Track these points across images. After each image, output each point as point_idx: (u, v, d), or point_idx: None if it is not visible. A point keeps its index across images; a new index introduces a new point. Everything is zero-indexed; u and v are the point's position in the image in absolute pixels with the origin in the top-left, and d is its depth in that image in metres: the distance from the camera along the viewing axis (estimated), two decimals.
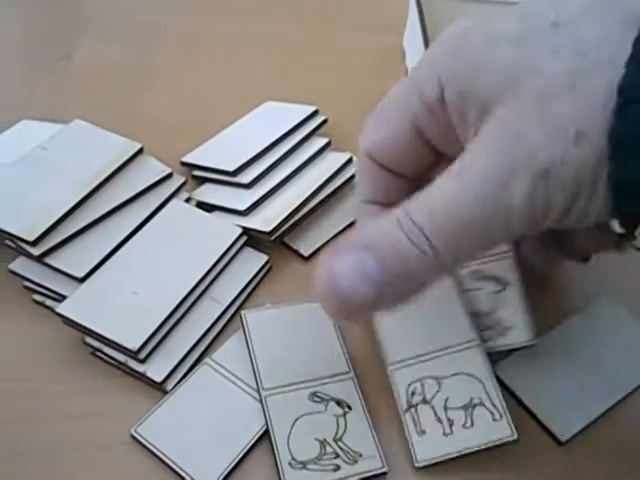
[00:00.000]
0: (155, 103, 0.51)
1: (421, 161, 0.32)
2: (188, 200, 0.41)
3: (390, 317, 0.34)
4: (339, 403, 0.32)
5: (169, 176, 0.41)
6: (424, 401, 0.32)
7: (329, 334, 0.35)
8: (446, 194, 0.26)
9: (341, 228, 0.42)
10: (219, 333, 0.36)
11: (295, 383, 0.32)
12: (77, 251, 0.36)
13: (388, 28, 0.60)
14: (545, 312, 0.37)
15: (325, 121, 0.47)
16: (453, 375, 0.32)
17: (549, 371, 0.35)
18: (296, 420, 0.31)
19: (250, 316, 0.35)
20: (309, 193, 0.41)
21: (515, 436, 0.30)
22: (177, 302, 0.34)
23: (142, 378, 0.33)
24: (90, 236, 0.37)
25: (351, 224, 0.43)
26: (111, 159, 0.40)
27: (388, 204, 0.31)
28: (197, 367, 0.33)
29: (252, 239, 0.39)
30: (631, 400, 0.34)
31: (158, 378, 0.32)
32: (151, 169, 0.41)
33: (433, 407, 0.32)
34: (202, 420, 0.32)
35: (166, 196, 0.40)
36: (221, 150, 0.45)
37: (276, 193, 0.42)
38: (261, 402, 0.32)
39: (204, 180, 0.43)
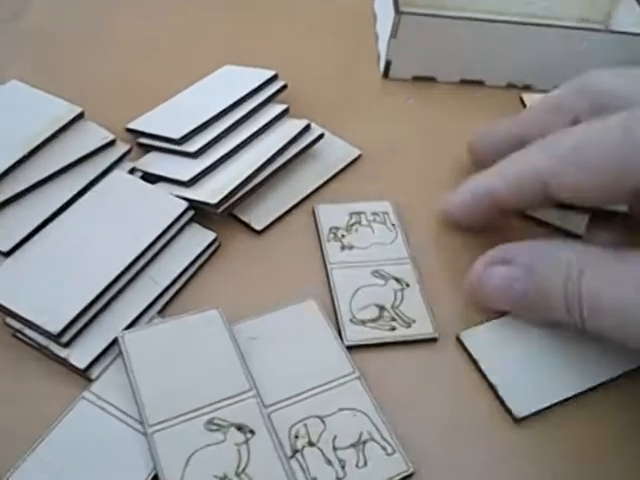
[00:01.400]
0: (106, 67, 0.48)
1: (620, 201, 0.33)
2: (133, 171, 0.38)
3: (261, 358, 0.31)
4: (240, 428, 0.28)
5: (111, 143, 0.38)
6: (310, 443, 0.28)
7: (225, 349, 0.31)
8: (622, 297, 0.28)
9: (297, 200, 0.40)
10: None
11: (187, 412, 0.28)
12: (4, 222, 0.33)
13: None
14: None
15: (285, 86, 0.44)
16: (337, 411, 0.29)
17: (519, 347, 0.33)
18: (190, 457, 0.27)
19: (129, 337, 0.30)
20: (262, 162, 0.38)
21: (411, 469, 0.28)
22: (108, 282, 0.31)
23: (66, 364, 0.30)
24: (20, 206, 0.34)
25: (308, 196, 0.40)
26: (47, 122, 0.37)
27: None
28: (73, 403, 0.29)
29: (200, 213, 0.36)
30: (599, 392, 0.32)
31: (81, 365, 0.29)
32: (92, 135, 0.38)
33: (321, 449, 0.28)
34: (82, 467, 0.27)
35: (107, 165, 0.37)
36: (170, 116, 0.42)
37: (226, 162, 0.39)
38: (147, 440, 0.27)
39: (150, 149, 0.40)
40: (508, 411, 0.31)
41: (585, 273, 0.29)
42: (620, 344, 0.29)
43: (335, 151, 0.43)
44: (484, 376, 0.32)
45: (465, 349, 0.33)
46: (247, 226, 0.38)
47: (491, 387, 0.32)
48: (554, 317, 0.31)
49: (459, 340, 0.33)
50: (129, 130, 0.41)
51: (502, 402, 0.31)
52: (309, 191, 0.40)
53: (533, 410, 0.31)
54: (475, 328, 0.33)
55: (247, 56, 0.47)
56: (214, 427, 0.28)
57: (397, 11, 0.46)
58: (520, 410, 0.31)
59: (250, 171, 0.37)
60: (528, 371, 0.32)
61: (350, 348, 0.32)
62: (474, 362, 0.32)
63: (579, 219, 0.39)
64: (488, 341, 0.33)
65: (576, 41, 0.47)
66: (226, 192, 0.36)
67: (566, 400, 0.31)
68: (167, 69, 0.47)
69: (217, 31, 0.52)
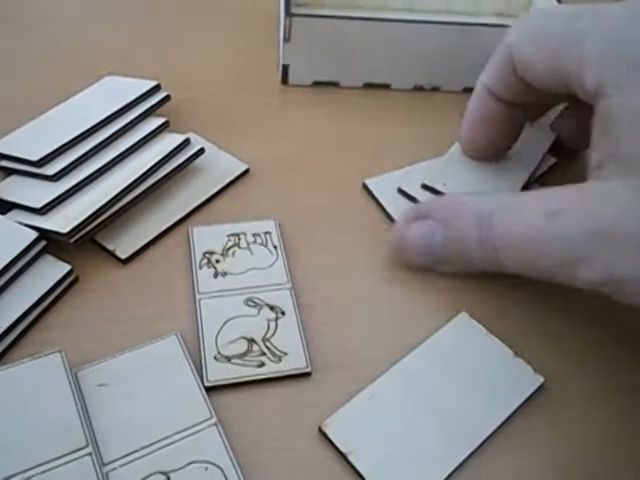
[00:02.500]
0: None
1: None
2: None
3: (109, 407, 0.28)
4: None
5: None
6: None
7: (63, 399, 0.27)
8: (534, 227, 0.29)
9: (171, 223, 0.36)
10: None
11: (9, 477, 0.25)
12: None
13: None
14: (402, 333, 0.32)
15: (167, 98, 0.40)
16: (187, 465, 0.26)
17: (387, 422, 0.29)
18: None
19: None
20: (128, 183, 0.35)
21: None
22: None
23: None
24: None
25: (182, 219, 0.36)
26: None
27: (507, 100, 0.36)
28: None
29: (58, 244, 0.33)
30: (484, 449, 0.29)
31: None
32: None
33: None
34: None
35: None
36: (36, 136, 0.38)
37: (91, 185, 0.35)
38: None
39: (12, 172, 0.36)
40: None
41: (494, 216, 0.30)
42: (541, 278, 0.30)
43: (220, 167, 0.39)
44: (353, 467, 0.27)
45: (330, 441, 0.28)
46: (112, 255, 0.34)
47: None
48: (474, 265, 0.32)
49: (321, 431, 0.28)
50: None
51: None
52: (186, 212, 0.37)
53: None
54: (337, 414, 0.29)
55: (132, 65, 0.44)
56: None
57: (288, 13, 0.42)
58: None
59: (113, 194, 0.34)
60: (398, 451, 0.28)
61: (212, 389, 0.29)
62: (342, 455, 0.28)
63: None
64: (354, 427, 0.28)
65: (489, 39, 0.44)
66: (80, 220, 0.32)
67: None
68: (42, 81, 0.44)
69: (100, 37, 0.48)
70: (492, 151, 0.38)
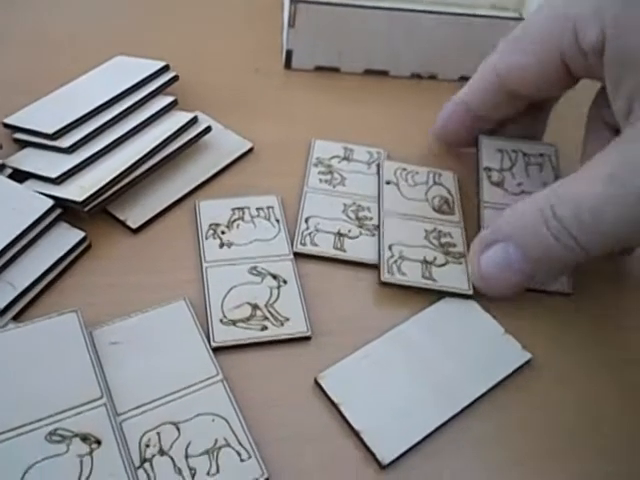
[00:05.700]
0: None
1: (557, 86, 0.35)
2: (2, 167, 0.36)
3: (121, 363, 0.30)
4: (85, 439, 0.27)
5: None
6: (161, 452, 0.27)
7: (78, 354, 0.29)
8: (596, 195, 0.28)
9: (179, 196, 0.38)
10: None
11: (28, 424, 0.27)
12: None
13: None
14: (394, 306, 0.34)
15: (175, 78, 0.42)
16: (195, 417, 0.28)
17: (378, 379, 0.31)
18: (25, 472, 0.25)
19: None
20: (139, 156, 0.36)
21: (265, 475, 0.27)
22: None
23: None
24: None
25: (192, 192, 0.38)
26: None
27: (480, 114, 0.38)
28: None
29: (73, 212, 0.34)
30: (468, 414, 0.31)
31: None
32: None
33: (172, 458, 0.27)
34: None
35: None
36: (50, 110, 0.40)
37: (103, 157, 0.37)
38: None
39: (27, 145, 0.38)
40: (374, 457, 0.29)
41: (556, 208, 0.30)
42: (626, 244, 0.31)
43: (225, 144, 0.41)
44: (344, 417, 0.30)
45: (324, 392, 0.31)
46: (123, 224, 0.36)
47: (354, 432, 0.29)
48: (562, 263, 0.31)
49: (317, 383, 0.31)
50: (6, 125, 0.39)
51: (367, 448, 0.29)
52: (193, 186, 0.39)
53: (398, 453, 0.29)
54: (331, 368, 0.31)
55: (143, 46, 0.45)
56: (57, 438, 0.27)
57: None
58: (384, 456, 0.28)
59: (125, 166, 0.36)
60: (391, 407, 0.30)
61: (218, 350, 0.31)
62: (335, 407, 0.30)
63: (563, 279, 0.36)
64: (347, 381, 0.31)
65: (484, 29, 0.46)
66: (94, 190, 0.34)
67: (432, 433, 0.30)
68: (55, 60, 0.45)
69: (112, 19, 0.50)
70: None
